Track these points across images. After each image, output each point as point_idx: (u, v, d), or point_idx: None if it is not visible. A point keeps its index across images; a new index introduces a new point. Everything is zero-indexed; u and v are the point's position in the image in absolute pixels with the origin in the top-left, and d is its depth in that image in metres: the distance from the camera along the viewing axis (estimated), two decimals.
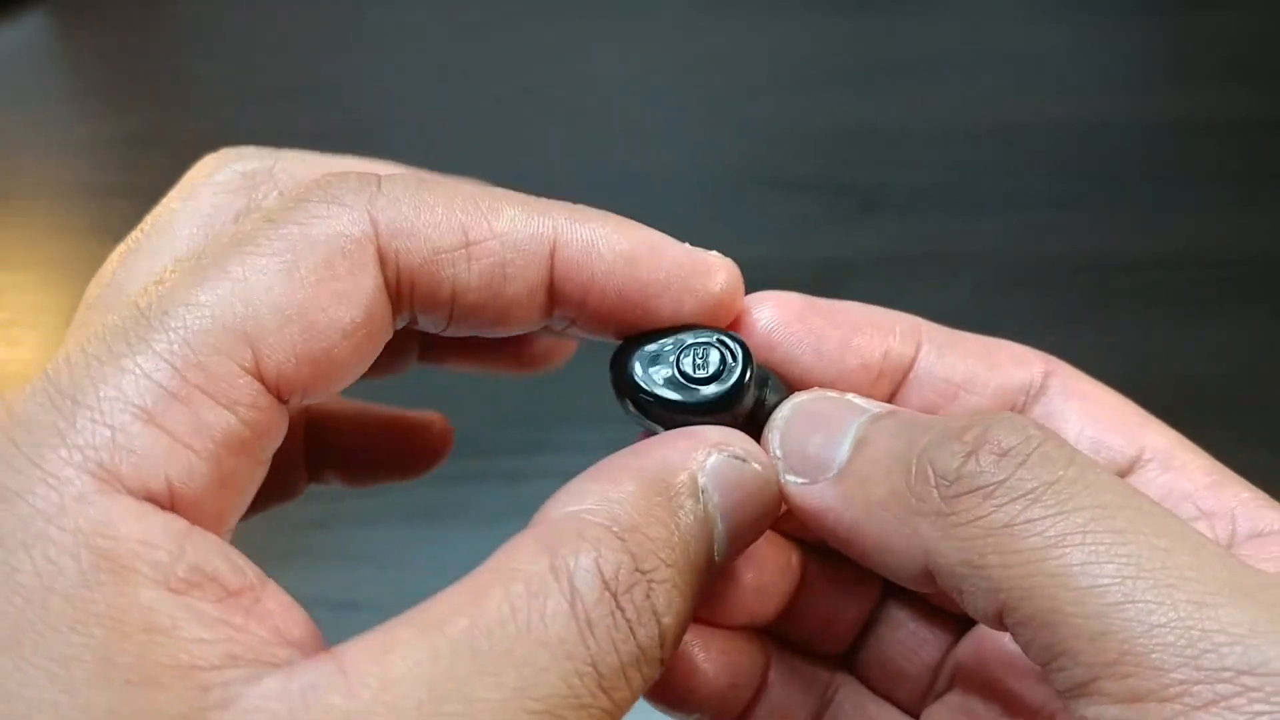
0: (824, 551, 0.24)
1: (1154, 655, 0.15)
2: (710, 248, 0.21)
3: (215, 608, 0.15)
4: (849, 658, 0.25)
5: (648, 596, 0.17)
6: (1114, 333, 0.52)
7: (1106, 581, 0.16)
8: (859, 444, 0.19)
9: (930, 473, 0.18)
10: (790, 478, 0.20)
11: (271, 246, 0.17)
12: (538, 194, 0.21)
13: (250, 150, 0.25)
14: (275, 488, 0.25)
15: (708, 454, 0.19)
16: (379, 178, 0.19)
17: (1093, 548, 0.16)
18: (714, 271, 0.21)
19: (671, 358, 0.20)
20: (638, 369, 0.20)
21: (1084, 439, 0.22)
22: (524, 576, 0.16)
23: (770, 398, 0.21)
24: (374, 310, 0.18)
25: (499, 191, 0.20)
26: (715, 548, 0.18)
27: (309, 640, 0.16)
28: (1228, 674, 0.15)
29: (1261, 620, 0.15)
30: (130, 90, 0.68)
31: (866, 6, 0.71)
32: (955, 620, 0.24)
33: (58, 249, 0.59)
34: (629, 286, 0.20)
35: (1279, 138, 0.61)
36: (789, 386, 0.22)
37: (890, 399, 0.23)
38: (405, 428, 0.28)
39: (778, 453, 0.20)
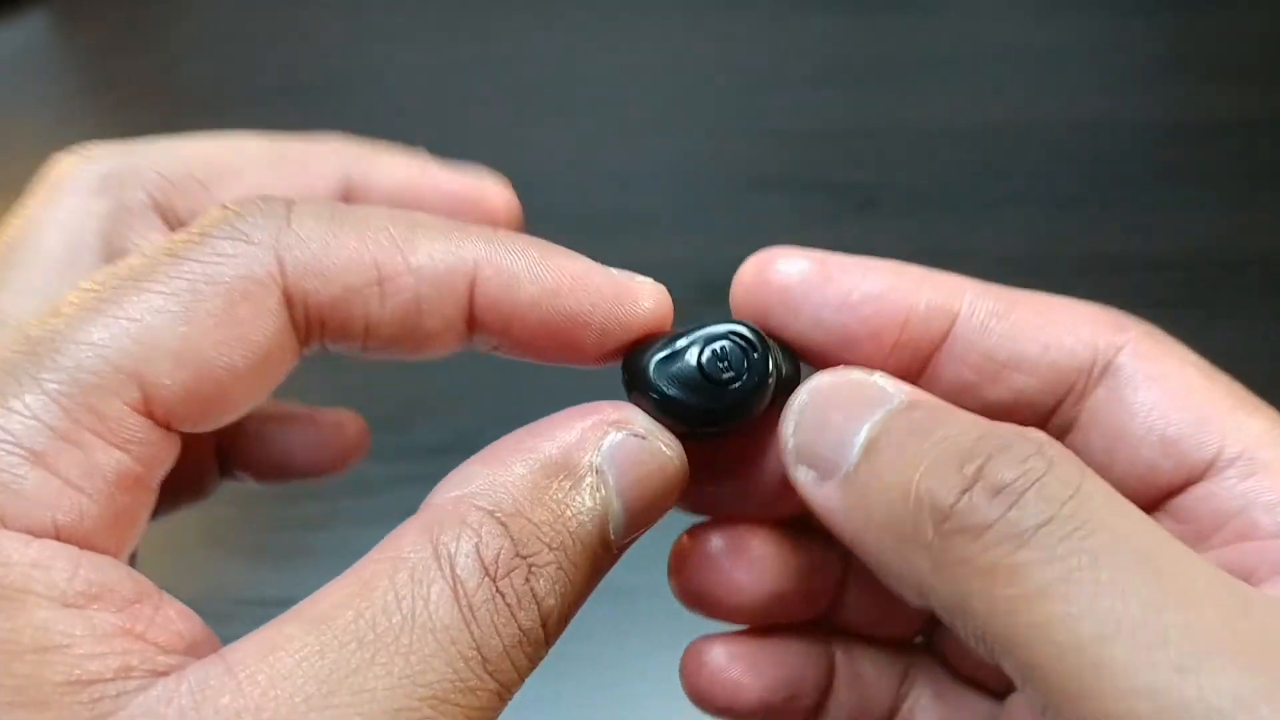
0: None
1: None
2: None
3: (115, 617, 0.15)
4: (927, 641, 0.24)
5: (527, 580, 0.17)
6: None
7: (1084, 639, 0.15)
8: (868, 448, 0.18)
9: (926, 503, 0.16)
10: (801, 469, 0.19)
11: (170, 285, 0.17)
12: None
13: (105, 149, 0.24)
14: (186, 487, 0.25)
15: (605, 433, 0.18)
16: (289, 207, 0.18)
17: (1075, 601, 0.15)
18: (639, 298, 0.20)
19: (689, 357, 0.19)
20: (654, 372, 0.19)
21: (1150, 438, 0.20)
22: (408, 564, 0.16)
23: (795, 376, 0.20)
24: (274, 352, 0.18)
25: (419, 220, 0.19)
26: (611, 527, 0.18)
27: (205, 645, 0.16)
28: None
29: (1249, 688, 0.14)
30: (129, 90, 0.68)
31: (866, 6, 0.71)
32: None
33: None
34: (552, 317, 0.19)
35: (1279, 138, 0.61)
36: (802, 360, 0.21)
37: (919, 376, 0.21)
38: (317, 426, 0.27)
39: (790, 441, 0.19)
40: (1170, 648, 0.14)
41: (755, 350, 0.19)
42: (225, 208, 0.18)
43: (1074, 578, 0.15)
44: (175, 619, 0.16)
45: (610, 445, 0.18)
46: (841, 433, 0.18)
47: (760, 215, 0.58)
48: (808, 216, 0.58)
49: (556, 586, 0.17)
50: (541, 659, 0.17)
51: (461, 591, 0.16)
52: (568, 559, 0.17)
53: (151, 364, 0.17)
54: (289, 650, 0.15)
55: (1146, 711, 0.14)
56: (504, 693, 0.16)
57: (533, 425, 0.19)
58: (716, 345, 0.19)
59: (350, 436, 0.27)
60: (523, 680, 0.17)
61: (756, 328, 0.20)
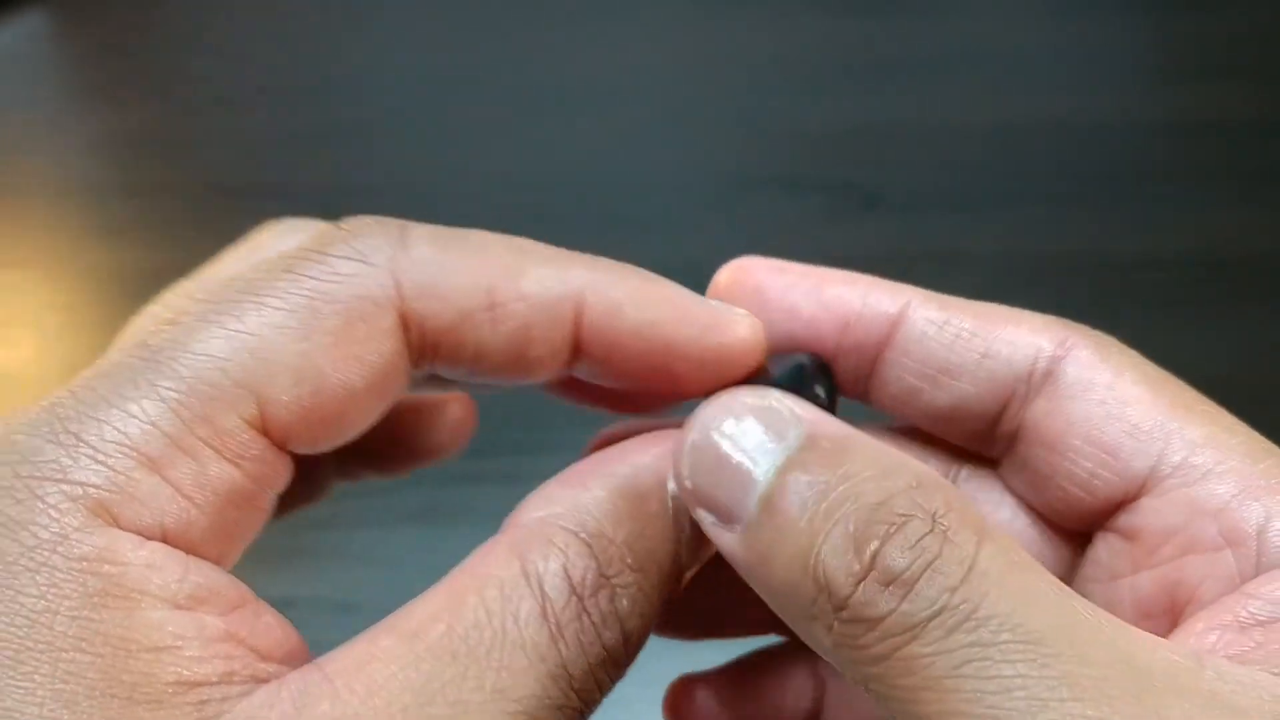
0: None
1: None
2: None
3: (220, 621, 0.16)
4: None
5: (612, 600, 0.17)
6: (1114, 333, 0.52)
7: None
8: (766, 503, 0.17)
9: (824, 586, 0.16)
10: (701, 513, 0.18)
11: (290, 301, 0.17)
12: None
13: (309, 225, 0.23)
14: (302, 491, 0.25)
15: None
16: (404, 229, 0.19)
17: (961, 696, 0.15)
18: (735, 326, 0.20)
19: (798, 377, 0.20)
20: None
21: (1087, 449, 0.20)
22: (497, 581, 0.16)
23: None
24: (390, 373, 0.18)
25: (526, 246, 0.19)
26: (683, 554, 0.18)
27: (299, 655, 0.17)
28: None
29: None
30: (129, 89, 0.68)
31: (866, 6, 0.71)
32: None
33: (57, 249, 0.59)
34: (654, 345, 0.19)
35: (1279, 138, 0.61)
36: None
37: (869, 373, 0.21)
38: (427, 410, 0.27)
39: (687, 483, 0.18)
40: None
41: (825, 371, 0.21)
42: (340, 227, 0.18)
43: (961, 671, 0.15)
44: (274, 626, 0.17)
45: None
46: (737, 480, 0.17)
47: (760, 215, 0.58)
48: (808, 216, 0.58)
49: (638, 607, 0.17)
50: (620, 679, 0.18)
51: (550, 610, 0.16)
52: (648, 581, 0.18)
53: (269, 380, 0.17)
54: (384, 661, 0.16)
55: None
56: (586, 710, 0.17)
57: (607, 450, 0.19)
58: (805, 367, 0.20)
59: (460, 415, 0.26)
60: (602, 699, 0.17)
61: (816, 359, 0.21)
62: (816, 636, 0.17)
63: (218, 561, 0.17)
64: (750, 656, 0.24)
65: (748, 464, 0.17)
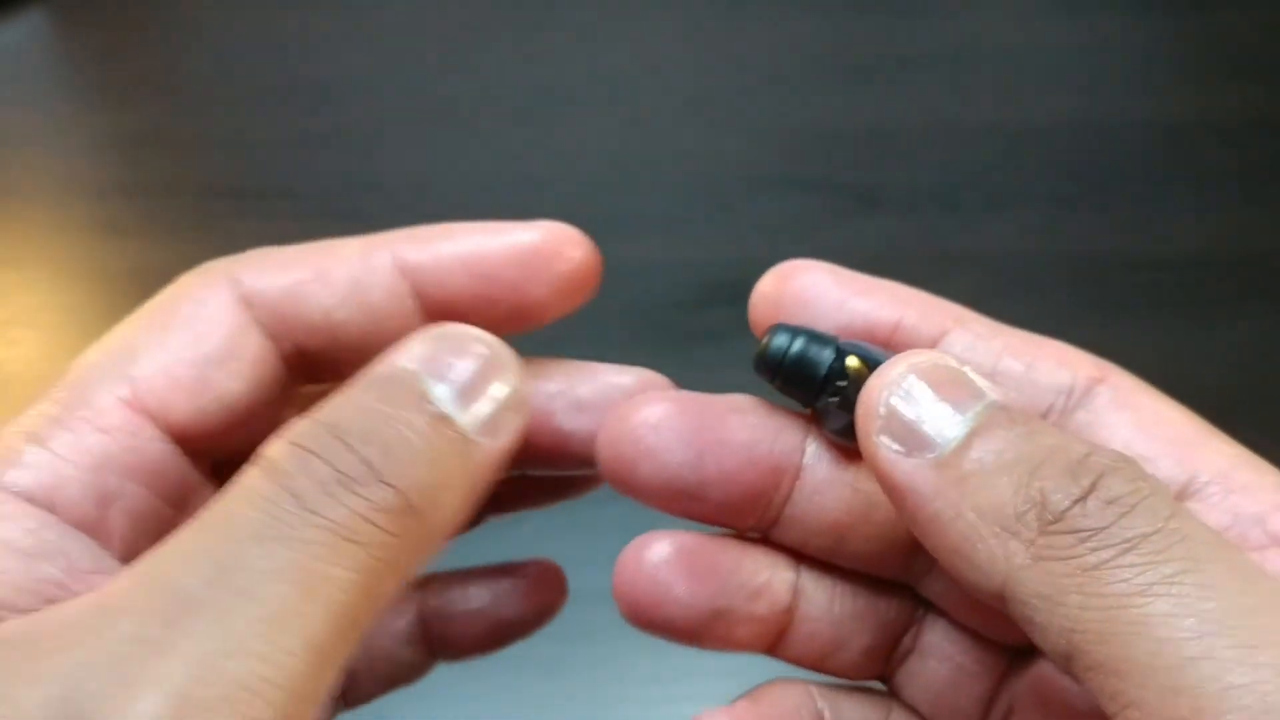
0: (824, 567, 0.23)
1: (1227, 717, 0.15)
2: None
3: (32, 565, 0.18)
4: (892, 684, 0.24)
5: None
6: (1115, 334, 0.52)
7: (1185, 635, 0.15)
8: (973, 434, 0.18)
9: (1040, 501, 0.17)
10: (884, 440, 0.19)
11: (147, 307, 0.21)
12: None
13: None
14: (395, 670, 0.26)
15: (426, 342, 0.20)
16: (238, 256, 0.22)
17: (1177, 599, 0.16)
18: (527, 230, 0.22)
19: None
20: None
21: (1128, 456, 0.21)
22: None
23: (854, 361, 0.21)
24: (244, 340, 0.21)
25: (334, 241, 0.22)
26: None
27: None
28: None
29: None
30: (130, 89, 0.68)
31: (866, 6, 0.71)
32: (1001, 650, 0.23)
33: (57, 248, 0.59)
34: (490, 261, 0.22)
35: (1279, 138, 0.61)
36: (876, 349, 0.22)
37: None
38: (516, 578, 0.27)
39: (881, 410, 0.19)
40: (1270, 649, 0.15)
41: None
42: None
43: (1177, 579, 0.16)
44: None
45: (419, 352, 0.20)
46: (943, 413, 0.19)
47: (760, 215, 0.58)
48: (808, 216, 0.58)
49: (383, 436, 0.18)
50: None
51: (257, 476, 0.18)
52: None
53: (132, 360, 0.20)
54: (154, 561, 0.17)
55: (1249, 704, 0.15)
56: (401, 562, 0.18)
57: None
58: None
59: (549, 580, 0.27)
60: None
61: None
62: (1009, 552, 0.17)
63: (98, 527, 0.19)
64: (725, 537, 0.23)
65: (955, 402, 0.19)
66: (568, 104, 0.65)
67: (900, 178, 0.60)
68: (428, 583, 0.27)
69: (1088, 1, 0.70)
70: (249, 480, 0.17)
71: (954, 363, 0.20)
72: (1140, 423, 0.21)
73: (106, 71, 0.71)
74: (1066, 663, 0.17)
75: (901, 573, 0.23)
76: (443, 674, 0.27)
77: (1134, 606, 0.16)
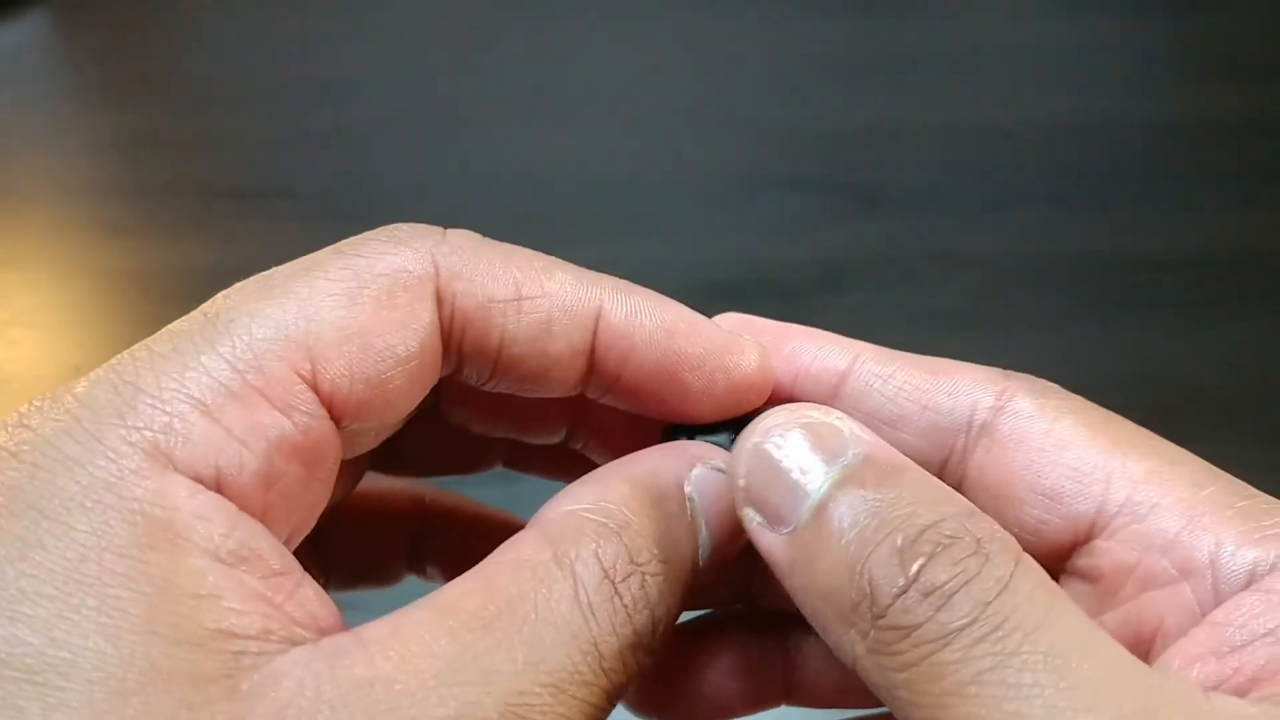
0: None
1: None
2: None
3: (259, 583, 0.16)
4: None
5: (642, 586, 0.18)
6: (1115, 334, 0.52)
7: None
8: (818, 510, 0.18)
9: (867, 593, 0.17)
10: (749, 511, 0.19)
11: (337, 273, 0.19)
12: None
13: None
14: (373, 572, 0.26)
15: (693, 465, 0.20)
16: (444, 230, 0.20)
17: (984, 702, 0.16)
18: (747, 351, 0.21)
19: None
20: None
21: (1032, 496, 0.20)
22: (530, 565, 0.17)
23: None
24: (427, 344, 0.19)
25: (552, 258, 0.21)
26: (700, 551, 0.19)
27: (336, 630, 0.17)
28: None
29: None
30: (130, 90, 0.68)
31: (866, 6, 0.71)
32: None
33: (58, 248, 0.59)
34: (667, 358, 0.21)
35: (1279, 138, 0.61)
36: None
37: None
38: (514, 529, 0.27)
39: (740, 482, 0.19)
40: None
41: None
42: (387, 226, 0.20)
43: (984, 679, 0.16)
44: (313, 600, 0.17)
45: (698, 476, 0.20)
46: (792, 485, 0.18)
47: (760, 215, 0.58)
48: (808, 216, 0.58)
49: (665, 597, 0.18)
50: (646, 667, 0.18)
51: (582, 592, 0.17)
52: (672, 573, 0.19)
53: (319, 335, 0.18)
54: (418, 632, 0.16)
55: None
56: (614, 694, 0.17)
57: (625, 458, 0.20)
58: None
59: None
60: (629, 686, 0.18)
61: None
62: (848, 641, 0.17)
63: (264, 513, 0.17)
64: (708, 621, 0.24)
65: (804, 472, 0.18)
66: (568, 104, 0.65)
67: (900, 178, 0.60)
68: (433, 508, 0.27)
69: (1088, 2, 0.70)
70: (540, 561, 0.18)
71: (813, 414, 0.19)
72: (1039, 455, 0.20)
73: (106, 72, 0.71)
74: None
75: None
76: None
77: (949, 707, 0.16)
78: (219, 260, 0.54)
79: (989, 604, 0.16)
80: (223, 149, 0.64)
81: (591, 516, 0.18)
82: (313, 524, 0.19)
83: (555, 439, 0.24)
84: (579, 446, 0.24)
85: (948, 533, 0.17)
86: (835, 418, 0.19)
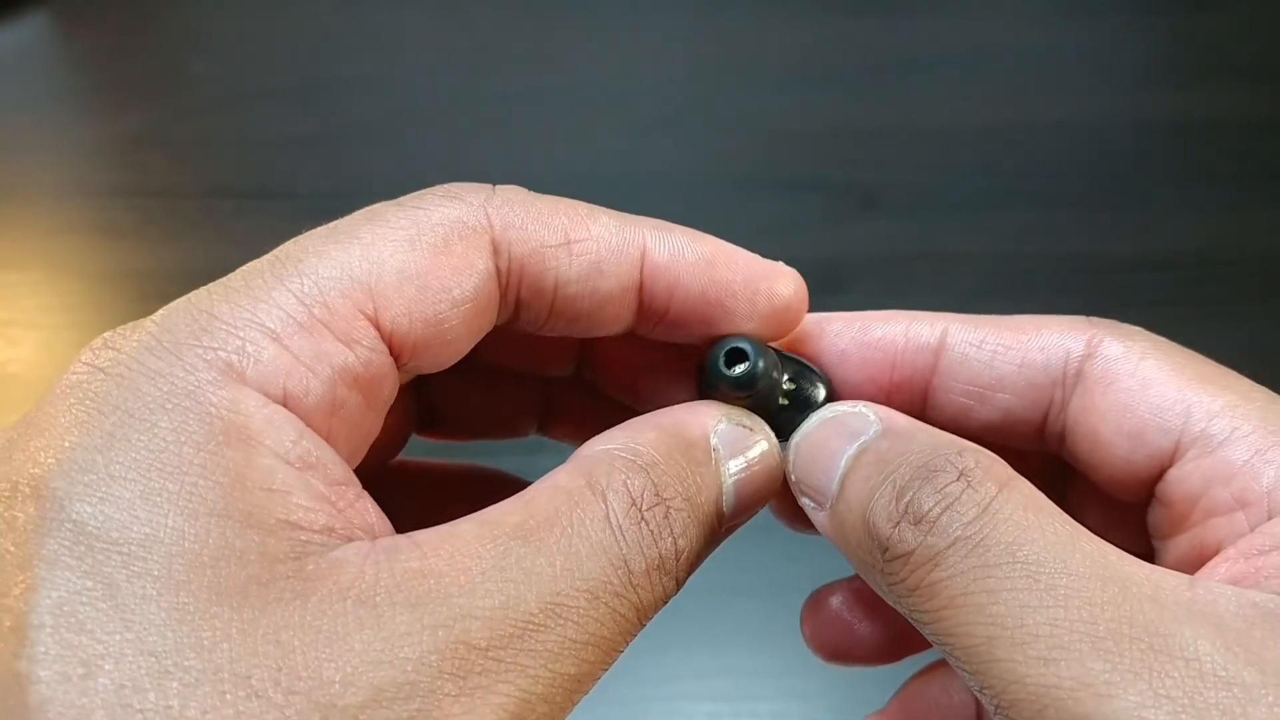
0: None
1: (1014, 710, 0.17)
2: None
3: (325, 488, 0.18)
4: None
5: (666, 517, 0.19)
6: None
7: (976, 643, 0.18)
8: (844, 480, 0.21)
9: (875, 536, 0.19)
10: (805, 500, 0.22)
11: (398, 222, 0.20)
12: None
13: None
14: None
15: (719, 420, 0.22)
16: (493, 187, 0.22)
17: (970, 610, 0.18)
18: (783, 276, 0.23)
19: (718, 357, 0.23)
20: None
21: (1118, 437, 0.22)
22: (566, 490, 0.19)
23: (808, 390, 0.23)
24: (483, 289, 0.20)
25: (595, 206, 0.22)
26: (724, 501, 0.21)
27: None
28: None
29: (1095, 671, 0.16)
30: (130, 90, 0.68)
31: (866, 6, 0.71)
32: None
33: (58, 249, 0.59)
34: (711, 287, 0.22)
35: (1279, 138, 0.61)
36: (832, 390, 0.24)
37: (921, 409, 0.23)
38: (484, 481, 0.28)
39: (792, 476, 0.22)
40: (1039, 643, 0.17)
41: (751, 353, 0.23)
42: (441, 186, 0.21)
43: (970, 589, 0.18)
44: (371, 511, 0.19)
45: (723, 429, 0.21)
46: (825, 467, 0.21)
47: (759, 216, 0.58)
48: (808, 216, 0.58)
49: (688, 530, 0.20)
50: (671, 595, 0.20)
51: (613, 514, 0.19)
52: (696, 513, 0.20)
53: (381, 276, 0.19)
54: (466, 539, 0.18)
55: (1021, 698, 0.17)
56: (642, 611, 0.19)
57: (656, 411, 0.22)
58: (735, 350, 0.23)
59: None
60: (657, 609, 0.19)
61: (754, 342, 0.23)
62: (879, 584, 0.20)
63: (328, 436, 0.19)
64: None
65: (833, 455, 0.21)
66: (567, 104, 0.65)
67: (899, 178, 0.60)
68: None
69: (1087, 2, 0.70)
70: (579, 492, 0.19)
71: (842, 407, 0.22)
72: (1124, 395, 0.22)
73: (106, 73, 0.71)
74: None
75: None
76: None
77: (945, 621, 0.18)
78: (219, 261, 0.54)
79: (969, 524, 0.18)
80: (222, 150, 0.64)
81: (622, 454, 0.20)
82: (362, 456, 0.20)
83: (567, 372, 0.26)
84: (648, 333, 0.24)
85: (934, 467, 0.19)
86: (862, 406, 0.22)
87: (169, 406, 0.17)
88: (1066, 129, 0.62)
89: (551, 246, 0.21)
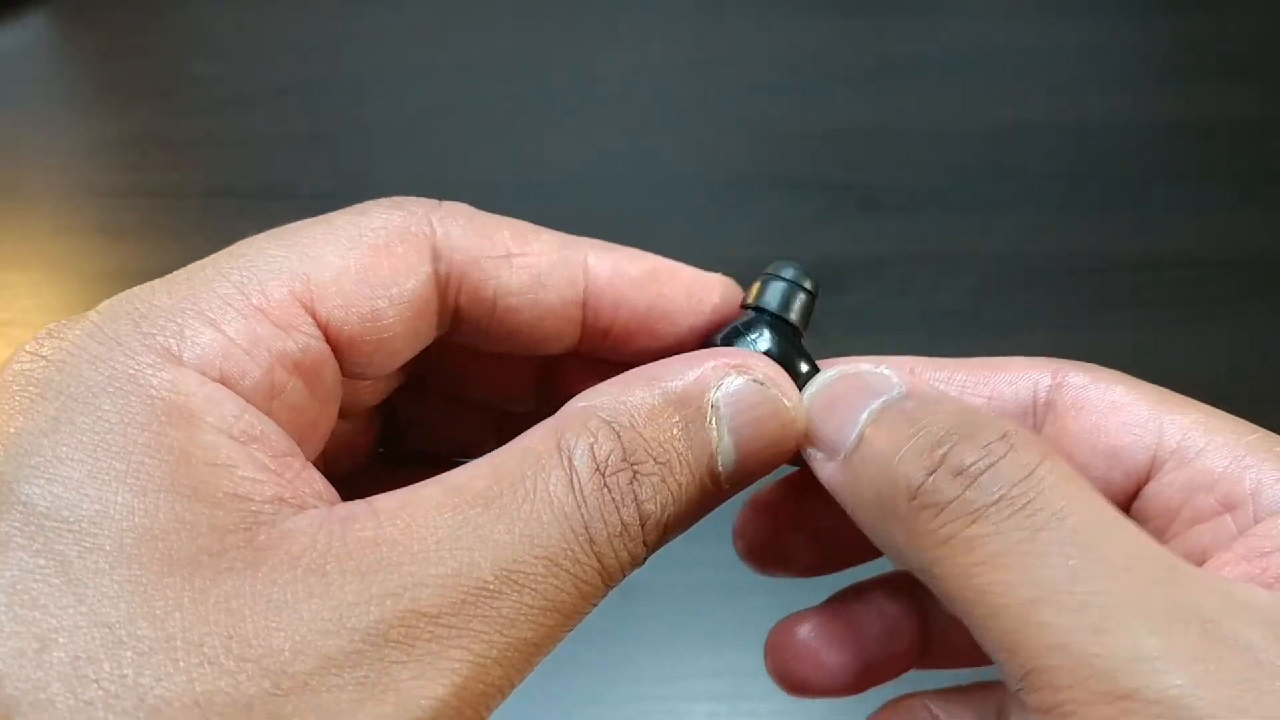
0: None
1: (1049, 675, 0.17)
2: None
3: (270, 460, 0.18)
4: None
5: (631, 483, 0.19)
6: (1114, 333, 0.52)
7: (1020, 602, 0.17)
8: (864, 434, 0.21)
9: (901, 483, 0.19)
10: (810, 450, 0.22)
11: (342, 225, 0.21)
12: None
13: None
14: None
15: (725, 374, 0.21)
16: (439, 200, 0.22)
17: (1013, 569, 0.18)
18: (723, 287, 0.24)
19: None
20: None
21: (1095, 458, 0.22)
22: (535, 453, 0.19)
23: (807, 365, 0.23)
24: (421, 291, 0.21)
25: (538, 226, 0.23)
26: (720, 462, 0.21)
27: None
28: (1111, 697, 0.16)
29: (1149, 646, 0.16)
30: (131, 90, 0.68)
31: (866, 6, 0.71)
32: None
33: (58, 249, 0.59)
34: (656, 300, 0.23)
35: (1279, 138, 0.61)
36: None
37: None
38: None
39: (802, 426, 0.22)
40: (1089, 611, 0.17)
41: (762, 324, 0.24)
42: (388, 198, 0.22)
43: (1014, 549, 0.18)
44: (317, 481, 0.19)
45: (729, 386, 0.21)
46: (844, 419, 0.21)
47: (760, 216, 0.58)
48: (808, 216, 0.58)
49: (657, 496, 0.20)
50: (641, 561, 0.20)
51: (576, 480, 0.19)
52: (671, 476, 0.20)
53: (319, 270, 0.20)
54: (426, 505, 0.18)
55: (1062, 664, 0.17)
56: (607, 576, 0.19)
57: (664, 360, 0.21)
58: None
59: None
60: (625, 574, 0.19)
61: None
62: (892, 534, 0.20)
63: (270, 417, 0.19)
64: (848, 591, 0.25)
65: (854, 407, 0.21)
66: (567, 105, 0.65)
67: (900, 178, 0.60)
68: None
69: (1086, 3, 0.71)
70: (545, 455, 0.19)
71: (865, 365, 0.22)
72: (1096, 419, 0.22)
73: (107, 74, 0.71)
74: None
75: None
76: None
77: (978, 577, 0.18)
78: None
79: (1016, 484, 0.18)
80: (223, 150, 0.64)
81: (598, 413, 0.20)
82: (319, 447, 0.21)
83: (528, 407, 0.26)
84: (598, 345, 0.25)
85: (976, 423, 0.19)
86: (885, 368, 0.22)
87: (111, 390, 0.18)
88: (1066, 129, 0.62)
89: (493, 257, 0.22)
